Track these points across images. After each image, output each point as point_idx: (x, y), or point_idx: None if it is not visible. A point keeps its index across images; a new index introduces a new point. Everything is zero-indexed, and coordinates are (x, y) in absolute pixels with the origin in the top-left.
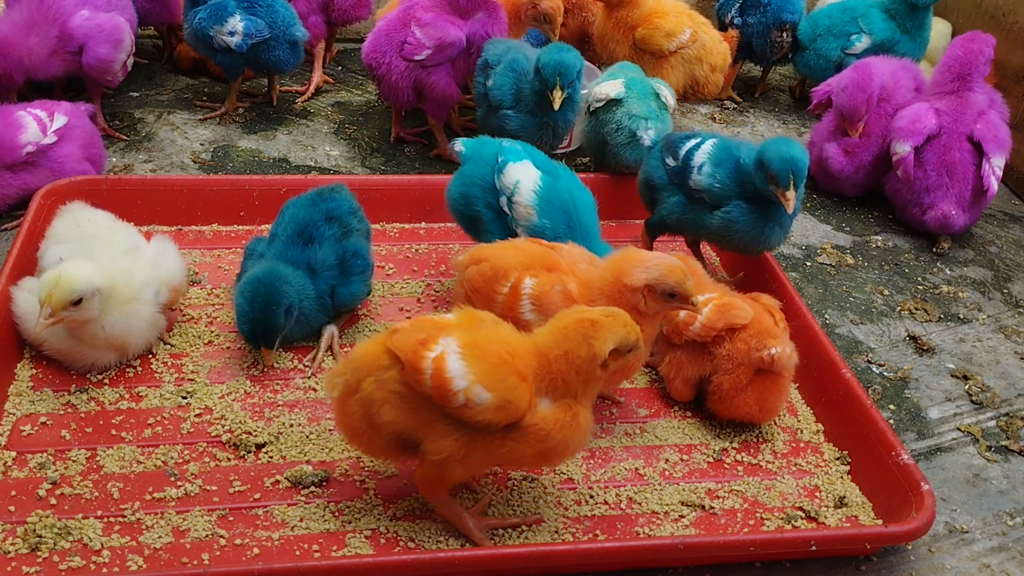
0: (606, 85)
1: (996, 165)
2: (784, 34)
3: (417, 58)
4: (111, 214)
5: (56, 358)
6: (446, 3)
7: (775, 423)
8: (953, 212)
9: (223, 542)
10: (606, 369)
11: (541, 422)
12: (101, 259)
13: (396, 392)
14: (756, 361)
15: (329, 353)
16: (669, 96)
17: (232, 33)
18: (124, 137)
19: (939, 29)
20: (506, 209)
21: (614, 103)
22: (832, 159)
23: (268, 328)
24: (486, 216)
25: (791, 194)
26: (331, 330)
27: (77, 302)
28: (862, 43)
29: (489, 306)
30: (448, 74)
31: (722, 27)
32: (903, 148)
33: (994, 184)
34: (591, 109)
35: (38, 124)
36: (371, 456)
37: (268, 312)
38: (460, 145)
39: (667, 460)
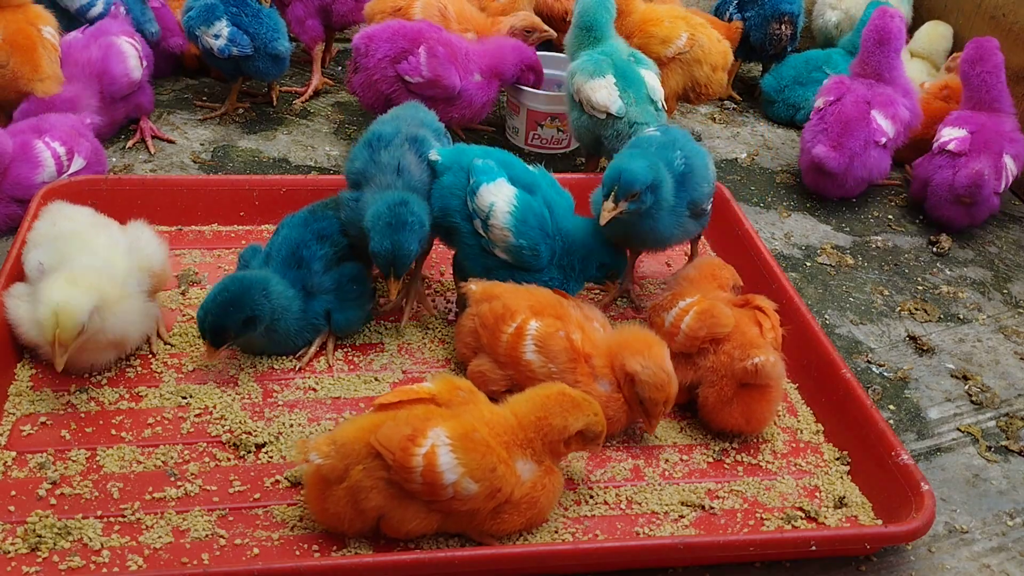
0: (603, 94)
1: (1007, 165)
2: (783, 26)
3: (407, 78)
4: (91, 210)
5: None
6: (481, 55)
7: (775, 423)
8: (987, 172)
9: (223, 542)
10: (568, 447)
11: (531, 491)
12: (80, 259)
13: (384, 479)
14: (740, 373)
15: (322, 350)
16: (658, 91)
17: (217, 36)
18: (172, 139)
19: (940, 32)
20: (481, 231)
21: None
22: (826, 158)
23: (217, 325)
24: (464, 228)
25: (608, 204)
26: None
27: (82, 330)
28: None
29: (494, 343)
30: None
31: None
32: (959, 132)
33: (1003, 181)
34: (584, 107)
35: (55, 163)
36: (347, 534)
37: (225, 311)
38: (436, 154)
39: (667, 460)
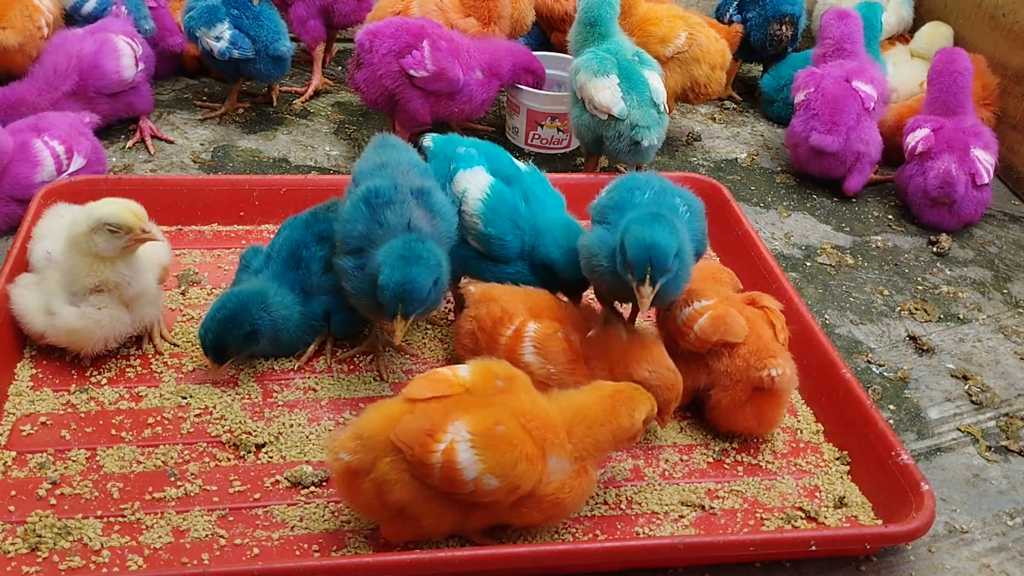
0: (606, 95)
1: (980, 157)
2: (784, 27)
3: (411, 72)
4: None
5: (63, 345)
6: (482, 53)
7: None
8: (954, 169)
9: (223, 542)
10: (634, 439)
11: (556, 491)
12: None
13: (410, 472)
14: (755, 380)
15: (322, 350)
16: (661, 94)
17: (218, 39)
18: (172, 139)
19: (941, 32)
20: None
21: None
22: (825, 143)
23: (218, 343)
24: None
25: (646, 290)
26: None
27: None
28: None
29: (493, 345)
30: (425, 100)
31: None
32: (922, 132)
33: (982, 171)
34: (586, 106)
35: (55, 162)
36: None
37: (225, 328)
38: (429, 140)
39: (667, 460)
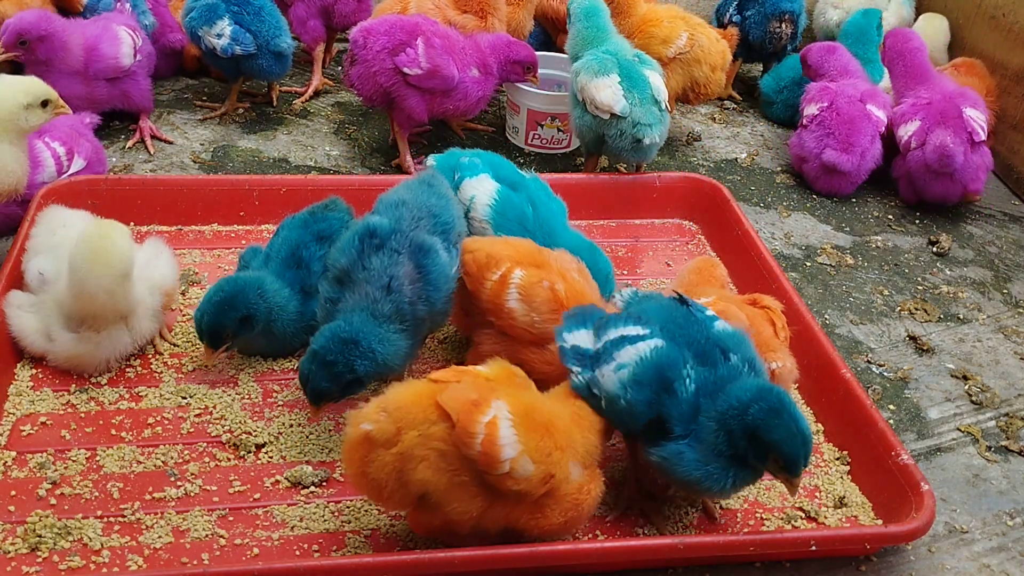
0: (607, 93)
1: (973, 116)
2: (783, 24)
3: (405, 70)
4: (87, 213)
5: (64, 369)
6: (477, 50)
7: None
8: (950, 142)
9: (223, 542)
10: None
11: (576, 492)
12: None
13: (438, 450)
14: None
15: None
16: (663, 92)
17: (219, 35)
18: (171, 140)
19: (936, 25)
20: None
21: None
22: (840, 161)
23: (214, 326)
24: None
25: (799, 480)
26: None
27: None
28: None
29: (478, 289)
30: (421, 98)
31: (721, 27)
32: (913, 125)
33: (978, 129)
34: (588, 107)
35: (55, 163)
36: (382, 506)
37: (221, 311)
38: (432, 160)
39: None
